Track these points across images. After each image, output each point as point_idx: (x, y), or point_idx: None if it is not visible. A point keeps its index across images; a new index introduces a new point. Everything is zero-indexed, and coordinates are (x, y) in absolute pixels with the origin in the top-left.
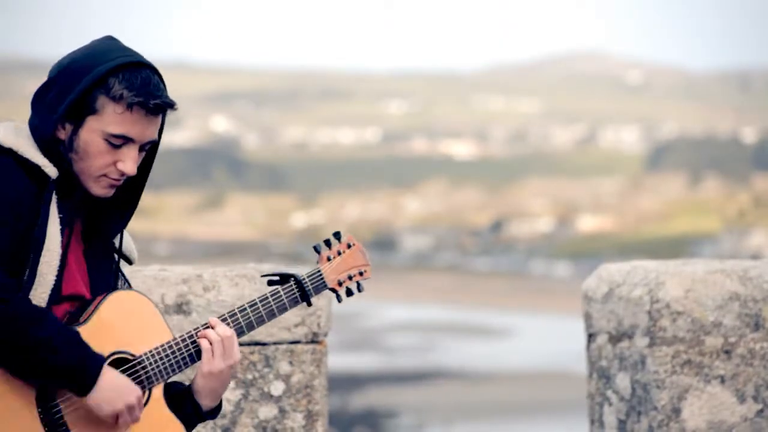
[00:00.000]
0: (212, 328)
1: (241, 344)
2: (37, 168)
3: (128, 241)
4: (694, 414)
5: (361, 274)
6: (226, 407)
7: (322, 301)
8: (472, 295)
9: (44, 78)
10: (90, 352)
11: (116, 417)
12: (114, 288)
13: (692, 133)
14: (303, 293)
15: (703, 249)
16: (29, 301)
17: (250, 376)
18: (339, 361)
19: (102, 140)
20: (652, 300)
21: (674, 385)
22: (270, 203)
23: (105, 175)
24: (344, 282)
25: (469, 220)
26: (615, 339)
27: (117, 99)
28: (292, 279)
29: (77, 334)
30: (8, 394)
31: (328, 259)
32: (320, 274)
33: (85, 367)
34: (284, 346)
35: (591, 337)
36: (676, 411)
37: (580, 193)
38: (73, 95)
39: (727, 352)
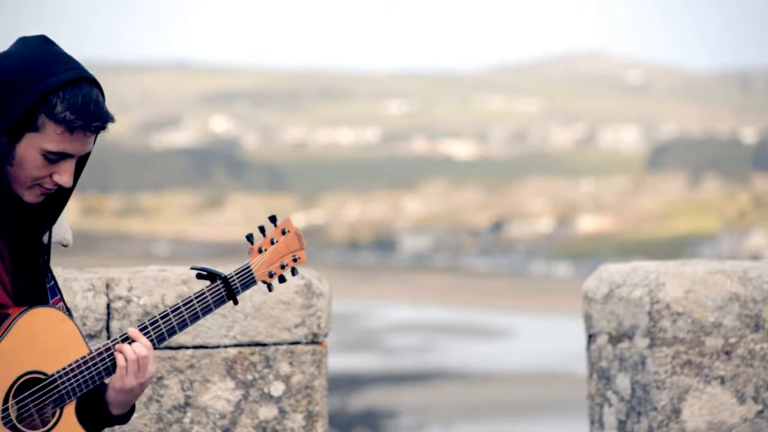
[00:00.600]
0: (131, 340)
1: (240, 345)
2: None
3: (62, 225)
4: (694, 415)
5: (295, 260)
6: (226, 407)
7: (322, 301)
8: (472, 295)
9: None
10: None
11: None
12: (41, 293)
13: (692, 133)
14: (230, 291)
15: (702, 249)
16: None
17: (250, 377)
18: (339, 361)
19: (39, 155)
20: (652, 301)
21: (674, 385)
22: (270, 203)
23: (39, 185)
24: (276, 272)
25: (469, 220)
26: (615, 339)
27: (59, 121)
28: (219, 279)
29: None
30: None
31: (260, 251)
32: (249, 270)
33: None
34: (284, 347)
35: (591, 337)
36: (676, 412)
37: (580, 193)
38: (14, 114)
39: (727, 352)
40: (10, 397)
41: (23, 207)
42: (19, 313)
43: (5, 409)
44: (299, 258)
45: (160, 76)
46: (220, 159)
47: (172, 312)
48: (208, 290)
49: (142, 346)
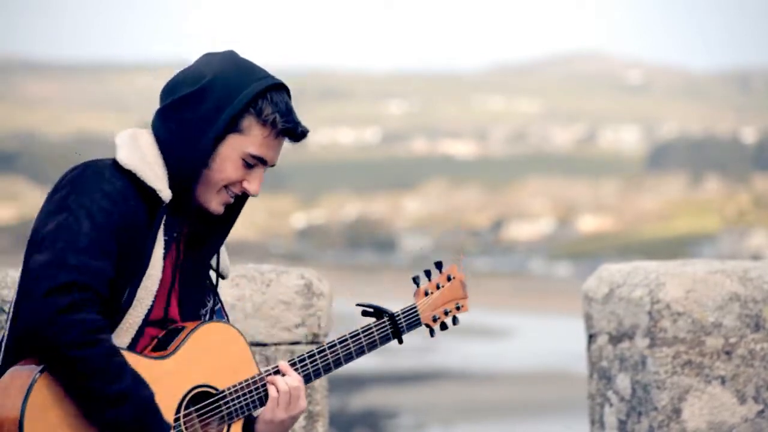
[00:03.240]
0: (282, 374)
1: None
2: (152, 191)
3: (224, 256)
4: (694, 414)
5: (458, 308)
6: None
7: (322, 302)
8: (472, 295)
9: (44, 78)
10: (156, 421)
11: None
12: (205, 307)
13: (692, 133)
14: (396, 330)
15: (702, 249)
16: (114, 347)
17: None
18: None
19: (239, 158)
20: (652, 301)
21: (675, 385)
22: (270, 203)
23: (227, 189)
24: (440, 317)
25: (469, 220)
26: (615, 339)
27: (267, 123)
28: (386, 315)
29: (151, 396)
30: (86, 428)
31: (426, 294)
32: (415, 311)
33: None
34: (284, 347)
35: (591, 337)
36: (677, 411)
37: (580, 193)
38: (231, 110)
39: (727, 352)
40: (182, 408)
41: (198, 217)
42: (196, 326)
43: (176, 419)
44: (462, 306)
45: (160, 76)
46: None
47: (340, 343)
48: (375, 326)
49: (294, 377)
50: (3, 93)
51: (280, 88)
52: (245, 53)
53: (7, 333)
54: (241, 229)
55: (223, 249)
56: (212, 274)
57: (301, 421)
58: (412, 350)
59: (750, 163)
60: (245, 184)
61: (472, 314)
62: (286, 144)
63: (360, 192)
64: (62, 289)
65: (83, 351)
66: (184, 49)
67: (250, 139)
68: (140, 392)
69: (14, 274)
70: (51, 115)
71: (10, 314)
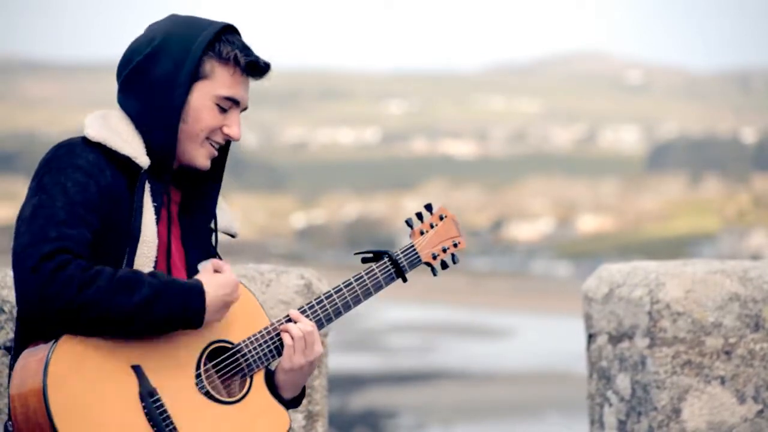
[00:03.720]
0: (294, 321)
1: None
2: (127, 159)
3: (227, 216)
4: (694, 414)
5: (455, 245)
6: None
7: None
8: (472, 295)
9: (44, 78)
10: (188, 290)
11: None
12: None
13: (692, 133)
14: (398, 270)
15: (702, 249)
16: (113, 268)
17: None
18: (339, 361)
19: (212, 104)
20: (652, 300)
21: (674, 385)
22: (270, 203)
23: (209, 140)
24: (438, 255)
25: (469, 220)
26: (615, 339)
27: (229, 61)
28: (386, 256)
29: (170, 280)
30: (110, 391)
31: (421, 233)
32: (414, 250)
33: (189, 310)
34: None
35: (591, 337)
36: (676, 411)
37: (580, 193)
38: (192, 60)
39: (727, 352)
40: (202, 365)
41: (184, 179)
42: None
43: (198, 375)
44: (459, 243)
45: None
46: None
47: (345, 287)
48: (378, 267)
49: (306, 322)
50: (3, 93)
51: (231, 29)
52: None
53: (15, 330)
54: (241, 229)
55: (226, 208)
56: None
57: (300, 421)
58: (412, 350)
59: (750, 163)
60: (226, 129)
61: (472, 314)
62: (285, 143)
63: (360, 192)
64: (47, 257)
65: (92, 287)
66: None
67: (217, 81)
68: (163, 279)
69: None
70: (51, 115)
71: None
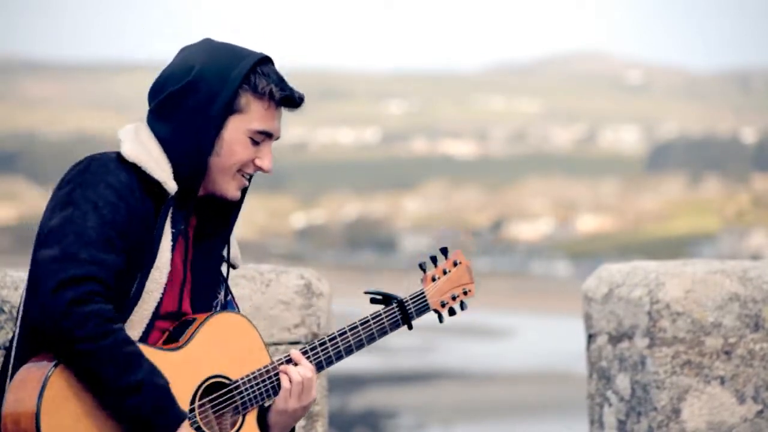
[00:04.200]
0: (294, 362)
1: None
2: (156, 184)
3: (234, 246)
4: (693, 415)
5: (465, 293)
6: None
7: (321, 301)
8: (470, 299)
9: (44, 78)
10: (173, 409)
11: None
12: (216, 300)
13: (692, 133)
14: (405, 316)
15: (702, 249)
16: (128, 337)
17: None
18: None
19: (246, 138)
20: (652, 300)
21: (674, 385)
22: (270, 203)
23: (241, 172)
24: (447, 303)
25: (469, 220)
26: (615, 339)
27: (264, 95)
28: (395, 302)
29: (167, 385)
30: (102, 421)
31: (433, 279)
32: (423, 297)
33: (165, 425)
34: (284, 347)
35: (591, 337)
36: (676, 412)
37: (580, 193)
38: (227, 92)
39: (726, 352)
40: (197, 399)
41: (204, 208)
42: (207, 317)
43: (191, 410)
44: (469, 291)
45: None
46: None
47: (350, 330)
48: (384, 312)
49: (306, 366)
50: (3, 93)
51: (267, 60)
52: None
53: (17, 331)
54: (240, 229)
55: (233, 239)
56: (223, 266)
57: (300, 421)
58: (412, 350)
59: (750, 163)
60: (257, 162)
61: (472, 314)
62: (285, 143)
63: (360, 192)
64: (73, 282)
65: (98, 343)
66: None
67: (251, 115)
68: (156, 382)
69: (14, 274)
70: (51, 115)
71: (20, 313)
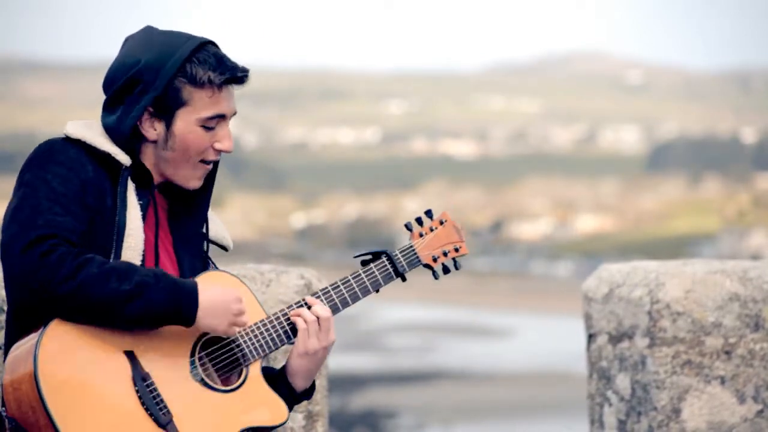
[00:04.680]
0: (308, 306)
1: None
2: (108, 156)
3: (219, 228)
4: (694, 414)
5: (456, 250)
6: None
7: None
8: (472, 295)
9: (44, 78)
10: (181, 286)
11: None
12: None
13: (692, 133)
14: (395, 268)
15: (702, 249)
16: (105, 259)
17: None
18: (339, 361)
19: (198, 127)
20: (652, 300)
21: (674, 385)
22: (270, 203)
23: (203, 160)
24: (439, 258)
25: (469, 220)
26: (615, 339)
27: (204, 84)
28: (384, 255)
29: (163, 273)
30: (102, 374)
31: (420, 236)
32: (413, 250)
33: (181, 305)
34: (284, 347)
35: (591, 337)
36: (676, 411)
37: (580, 193)
38: (157, 89)
39: (727, 352)
40: (196, 353)
41: (183, 195)
42: (199, 275)
43: (192, 363)
44: (460, 248)
45: None
46: (220, 159)
47: (343, 284)
48: (376, 266)
49: (322, 306)
50: (3, 93)
51: (203, 45)
52: (245, 53)
53: (7, 325)
54: (240, 229)
55: (215, 219)
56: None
57: (300, 421)
58: (412, 350)
59: (750, 163)
60: (217, 145)
61: (472, 314)
62: (285, 143)
63: (360, 192)
64: (35, 242)
65: (82, 273)
66: None
67: (196, 105)
68: (156, 272)
69: None
70: (51, 115)
71: (7, 307)
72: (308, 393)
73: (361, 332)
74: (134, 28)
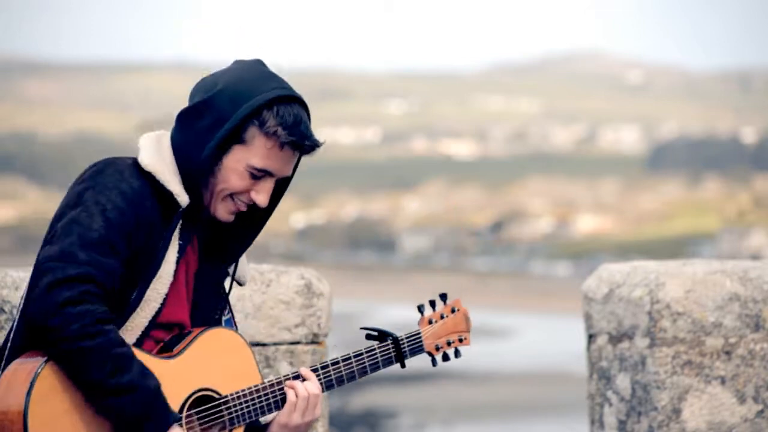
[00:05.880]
0: (303, 379)
1: None
2: (170, 194)
3: (243, 263)
4: (694, 414)
5: (460, 340)
6: None
7: (322, 301)
8: (472, 295)
9: (44, 78)
10: (164, 411)
11: None
12: (216, 316)
13: (692, 133)
14: (399, 354)
15: (702, 249)
16: (120, 338)
17: None
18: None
19: (244, 170)
20: (652, 301)
21: (674, 385)
22: None
23: (233, 199)
24: (442, 347)
25: (469, 220)
26: (615, 340)
27: (269, 134)
28: (390, 339)
29: (158, 386)
30: (88, 418)
31: (430, 322)
32: (419, 337)
33: (156, 427)
34: (284, 347)
35: (591, 337)
36: (677, 411)
37: (580, 193)
38: (230, 124)
39: (727, 352)
40: (184, 410)
41: (217, 224)
42: (202, 330)
43: (179, 419)
44: (464, 339)
45: (160, 76)
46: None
47: (343, 361)
48: (379, 348)
49: (315, 384)
50: (3, 93)
51: (291, 100)
52: (245, 53)
53: (15, 325)
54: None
55: (243, 257)
56: (227, 283)
57: None
58: None
59: (750, 163)
60: (252, 195)
61: (472, 314)
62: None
63: (360, 192)
64: (68, 281)
65: (88, 342)
66: (184, 49)
67: (253, 151)
68: (147, 383)
69: (14, 274)
70: (51, 115)
71: (20, 307)
72: None
73: (361, 332)
74: (134, 28)
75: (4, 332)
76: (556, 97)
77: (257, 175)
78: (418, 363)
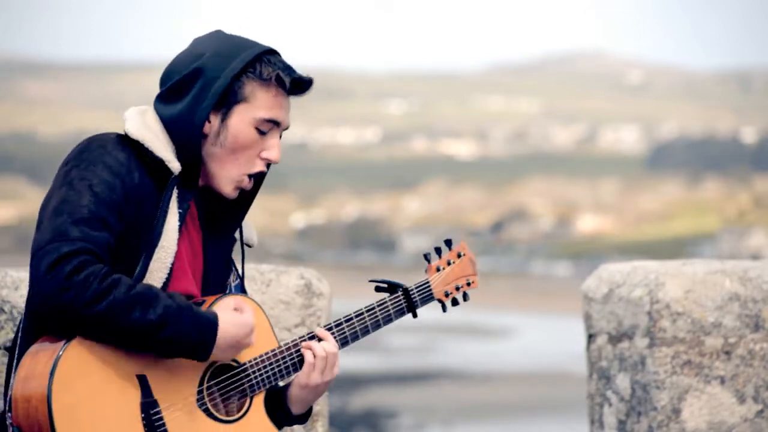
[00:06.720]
0: (319, 339)
1: None
2: (160, 162)
3: (248, 226)
4: (694, 414)
5: (468, 284)
6: None
7: (322, 301)
8: (472, 295)
9: (44, 78)
10: (202, 325)
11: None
12: (226, 281)
13: (692, 133)
14: (410, 304)
15: (702, 249)
16: (131, 281)
17: None
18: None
19: (252, 128)
20: (652, 300)
21: (674, 385)
22: (270, 203)
23: (248, 174)
24: (451, 293)
25: (469, 220)
26: (615, 339)
27: (269, 82)
28: (400, 290)
29: (189, 303)
30: (112, 398)
31: (437, 270)
32: (428, 286)
33: (200, 342)
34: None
35: (591, 337)
36: (676, 411)
37: (580, 193)
38: (224, 81)
39: (727, 352)
40: (205, 382)
41: (219, 199)
42: (215, 300)
43: (200, 391)
44: (472, 282)
45: (160, 77)
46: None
47: (356, 317)
48: (390, 300)
49: (332, 342)
50: (3, 93)
51: (272, 52)
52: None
53: (21, 326)
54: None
55: (247, 221)
56: (236, 249)
57: None
58: (412, 350)
59: (750, 163)
60: (264, 154)
61: (472, 314)
62: (285, 143)
63: (360, 192)
64: (65, 257)
65: (109, 296)
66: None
67: (257, 103)
68: (180, 303)
69: (14, 274)
70: (51, 115)
71: (25, 311)
72: (304, 417)
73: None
74: (134, 28)
75: (4, 332)
76: (556, 97)
77: (264, 129)
78: (417, 364)
